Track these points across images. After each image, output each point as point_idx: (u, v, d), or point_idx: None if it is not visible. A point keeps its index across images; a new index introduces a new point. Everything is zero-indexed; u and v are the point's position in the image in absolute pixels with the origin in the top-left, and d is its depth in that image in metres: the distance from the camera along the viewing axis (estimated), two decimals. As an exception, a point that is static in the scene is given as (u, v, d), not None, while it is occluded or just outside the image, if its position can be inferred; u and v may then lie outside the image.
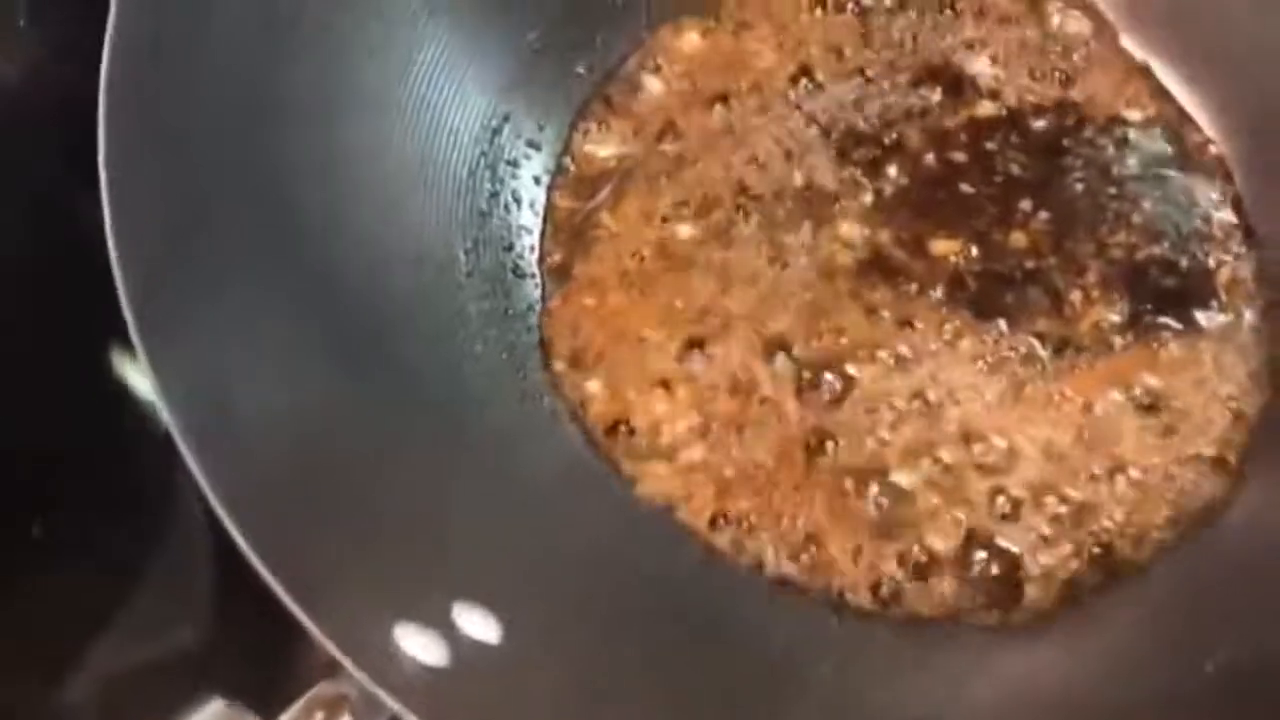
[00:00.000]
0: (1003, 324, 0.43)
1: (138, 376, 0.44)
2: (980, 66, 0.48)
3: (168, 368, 0.30)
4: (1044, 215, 0.45)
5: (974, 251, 0.45)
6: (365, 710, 0.28)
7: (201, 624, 0.43)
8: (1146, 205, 0.45)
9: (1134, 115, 0.47)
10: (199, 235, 0.34)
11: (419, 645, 0.30)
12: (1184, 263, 0.45)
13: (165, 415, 0.29)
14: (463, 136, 0.46)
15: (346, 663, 0.27)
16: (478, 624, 0.32)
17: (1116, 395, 0.42)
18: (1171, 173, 0.46)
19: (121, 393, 0.44)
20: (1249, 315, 0.44)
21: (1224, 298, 0.44)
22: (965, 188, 0.46)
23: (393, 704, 0.27)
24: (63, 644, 0.41)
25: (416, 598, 0.31)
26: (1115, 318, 0.44)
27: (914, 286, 0.44)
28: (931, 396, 0.43)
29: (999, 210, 0.45)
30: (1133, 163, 0.46)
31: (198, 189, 0.35)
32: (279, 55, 0.39)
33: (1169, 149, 0.47)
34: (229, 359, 0.33)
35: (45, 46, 0.45)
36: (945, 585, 0.40)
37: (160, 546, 0.43)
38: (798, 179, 0.46)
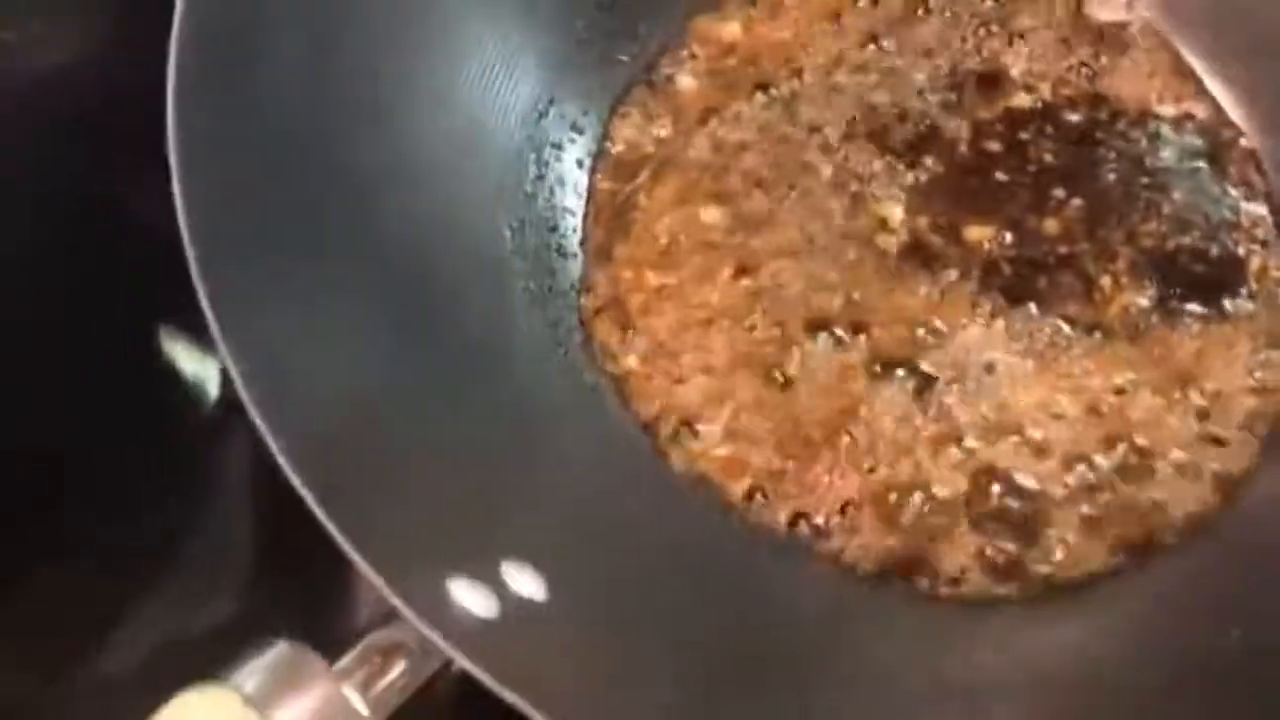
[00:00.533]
0: (1033, 308, 0.44)
1: (184, 356, 0.46)
2: (1017, 59, 0.49)
3: (235, 334, 0.31)
4: (1077, 203, 0.46)
5: (1008, 238, 0.46)
6: (419, 657, 0.29)
7: (246, 586, 0.44)
8: (1177, 196, 0.46)
9: (1167, 109, 0.48)
10: (264, 210, 0.35)
11: (471, 598, 0.31)
12: (1214, 251, 0.45)
13: (232, 370, 0.30)
14: (511, 121, 0.47)
15: (404, 609, 0.28)
16: (525, 582, 0.33)
17: (1145, 377, 0.43)
18: (1203, 165, 0.47)
19: (167, 372, 0.45)
20: (1276, 302, 0.45)
21: (1253, 286, 0.45)
22: (1000, 176, 0.47)
23: (448, 650, 0.28)
24: (110, 607, 0.42)
25: (468, 553, 0.32)
26: (1144, 302, 0.44)
27: (952, 272, 0.45)
28: (967, 375, 0.43)
29: (1033, 198, 0.46)
30: (1165, 155, 0.47)
31: (261, 169, 0.36)
32: (341, 45, 0.40)
33: (1200, 142, 0.47)
34: (293, 326, 0.34)
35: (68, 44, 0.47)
36: (967, 557, 0.41)
37: (204, 514, 0.44)
38: (836, 165, 0.47)
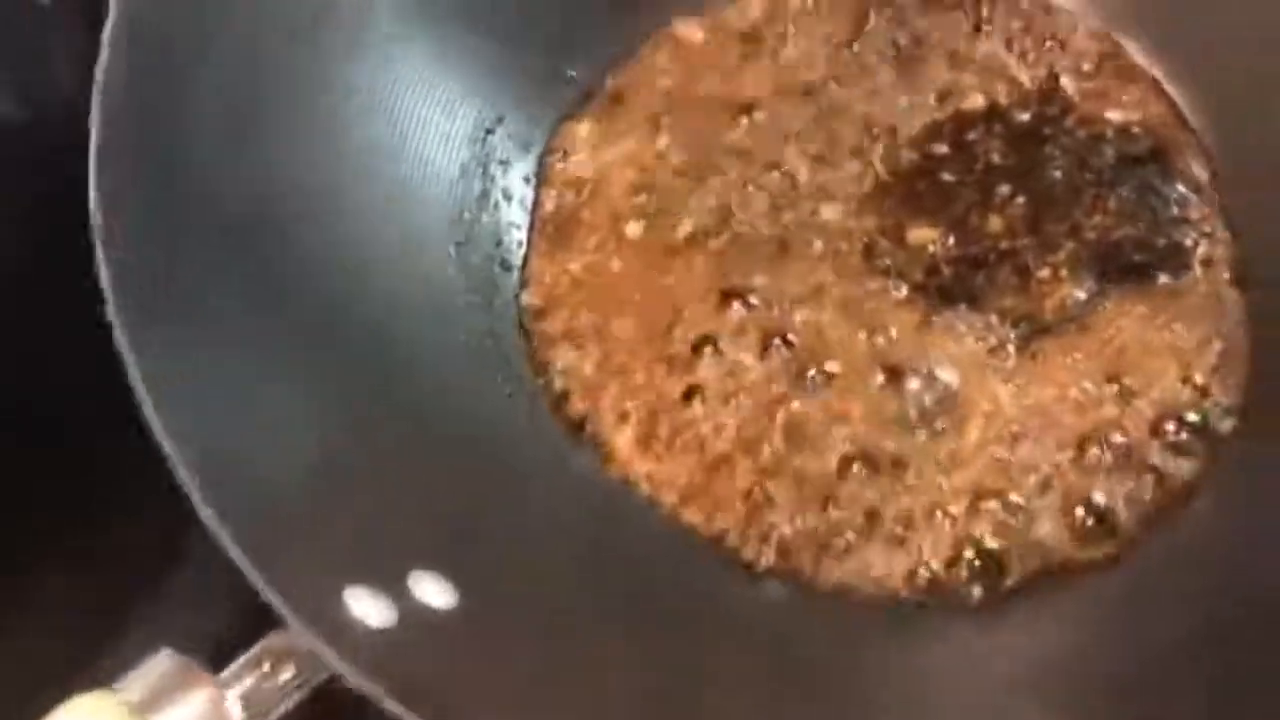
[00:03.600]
0: (966, 305, 0.44)
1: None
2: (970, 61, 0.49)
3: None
4: (1021, 200, 0.46)
5: (951, 239, 0.45)
6: (311, 664, 0.29)
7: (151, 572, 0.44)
8: (1124, 191, 0.46)
9: (1115, 107, 0.48)
10: (191, 248, 0.36)
11: (368, 608, 0.30)
12: (1159, 242, 0.45)
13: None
14: (456, 139, 0.47)
15: (290, 618, 0.28)
16: (432, 590, 0.32)
17: (1085, 366, 0.43)
18: (1150, 161, 0.46)
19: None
20: (1223, 289, 0.44)
21: (1197, 272, 0.44)
22: (946, 177, 0.47)
23: (336, 663, 0.28)
24: (114, 610, 0.42)
25: (371, 562, 0.32)
26: (1081, 294, 0.44)
27: (894, 272, 0.45)
28: (905, 377, 0.43)
29: (978, 196, 0.46)
30: (1112, 151, 0.46)
31: (188, 214, 0.36)
32: (269, 77, 0.40)
33: (1148, 138, 0.47)
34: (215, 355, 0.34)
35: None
36: (928, 564, 0.41)
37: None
38: (785, 171, 0.47)
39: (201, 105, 0.38)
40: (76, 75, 0.43)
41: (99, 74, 0.35)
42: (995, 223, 0.45)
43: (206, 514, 0.28)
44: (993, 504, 0.41)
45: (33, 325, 0.42)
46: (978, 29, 0.49)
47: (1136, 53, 0.48)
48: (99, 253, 0.32)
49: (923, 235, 0.45)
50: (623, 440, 0.43)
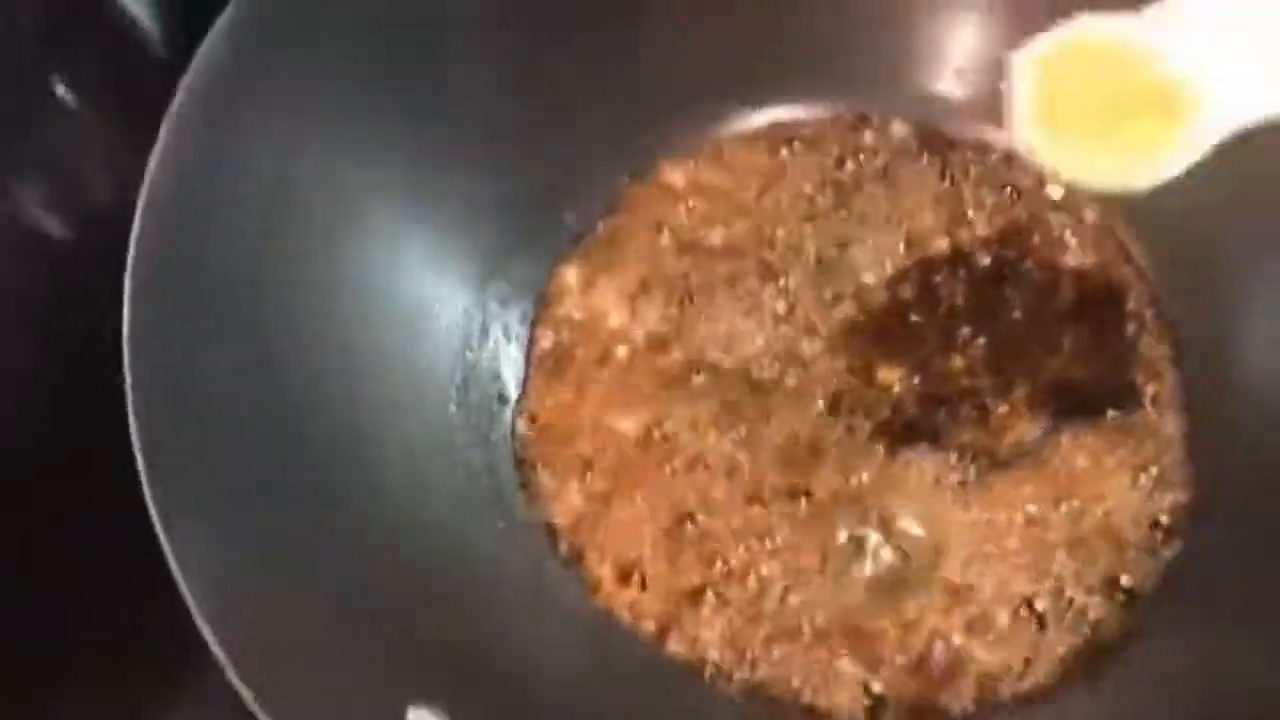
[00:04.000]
0: (928, 444, 0.46)
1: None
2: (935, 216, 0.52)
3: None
4: (981, 341, 0.49)
5: (916, 379, 0.48)
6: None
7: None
8: (1079, 331, 0.48)
9: (1070, 256, 0.50)
10: (212, 413, 0.38)
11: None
12: (1111, 381, 0.47)
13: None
14: (458, 284, 0.49)
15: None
16: (429, 721, 0.35)
17: (1032, 507, 0.45)
18: (1103, 303, 0.49)
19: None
20: (1171, 426, 0.47)
21: (1148, 409, 0.47)
22: (914, 318, 0.50)
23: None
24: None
25: (371, 698, 0.34)
26: (1037, 431, 0.46)
27: (861, 413, 0.48)
28: (871, 518, 0.46)
29: (941, 338, 0.49)
30: (1067, 294, 0.49)
31: (211, 376, 0.39)
32: (291, 240, 0.43)
33: (1102, 282, 0.49)
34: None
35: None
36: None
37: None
38: (765, 311, 0.50)
39: (226, 263, 0.41)
40: (108, 181, 0.47)
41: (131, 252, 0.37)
42: (957, 362, 0.48)
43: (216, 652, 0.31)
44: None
45: (58, 433, 0.44)
46: (943, 177, 0.53)
47: (1089, 201, 0.51)
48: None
49: (890, 375, 0.48)
50: (607, 571, 0.45)
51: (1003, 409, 0.47)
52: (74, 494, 0.44)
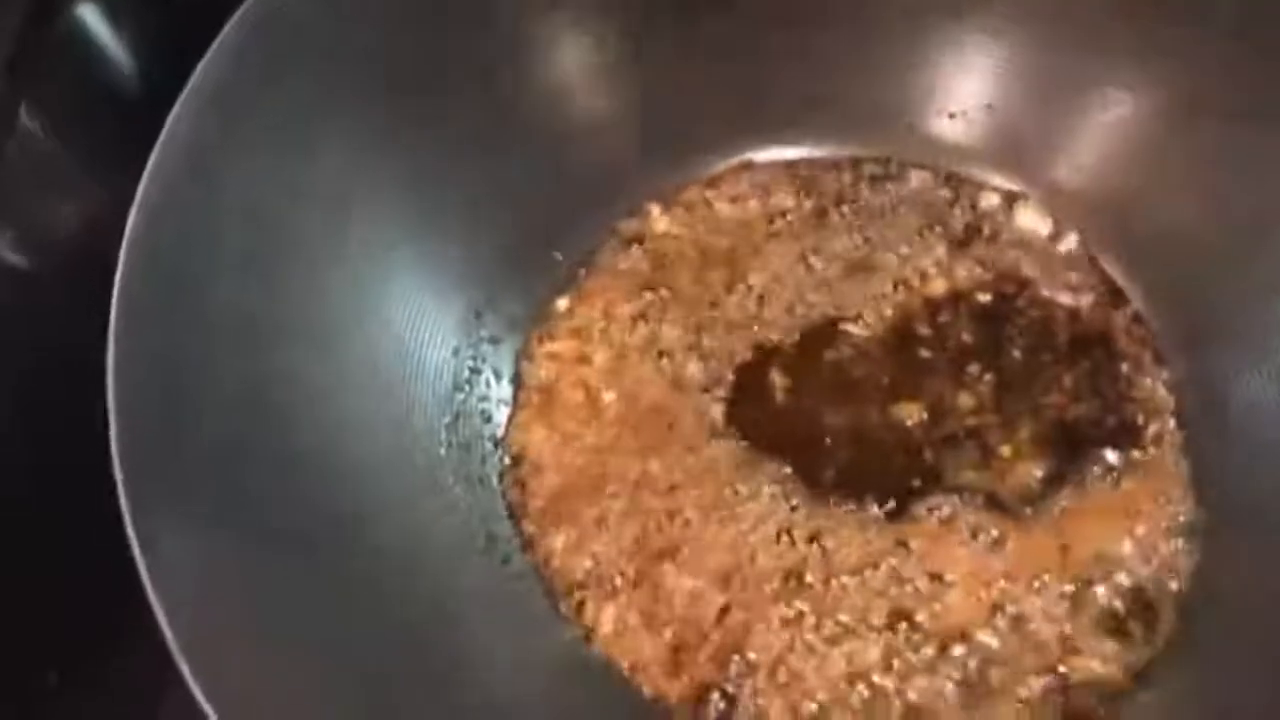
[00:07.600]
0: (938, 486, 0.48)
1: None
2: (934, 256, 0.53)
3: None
4: (989, 378, 0.50)
5: (925, 415, 0.49)
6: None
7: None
8: (1079, 369, 0.50)
9: (1064, 295, 0.52)
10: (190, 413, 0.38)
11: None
12: (1110, 420, 0.49)
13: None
14: (449, 323, 0.50)
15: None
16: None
17: (1034, 556, 0.46)
18: (1098, 344, 0.50)
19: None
20: (1171, 462, 0.48)
21: (1150, 450, 0.48)
22: (924, 353, 0.51)
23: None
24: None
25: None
26: (1039, 472, 0.48)
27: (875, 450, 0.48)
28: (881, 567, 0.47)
29: (951, 374, 0.50)
30: (1063, 333, 0.51)
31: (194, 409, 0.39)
32: (278, 276, 0.43)
33: (1096, 321, 0.51)
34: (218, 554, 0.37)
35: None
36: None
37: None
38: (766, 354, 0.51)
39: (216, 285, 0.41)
40: (75, 211, 0.46)
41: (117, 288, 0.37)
42: (966, 400, 0.49)
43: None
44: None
45: (35, 465, 0.44)
46: (940, 218, 0.54)
47: (1076, 243, 0.53)
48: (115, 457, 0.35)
49: (906, 410, 0.49)
50: (604, 616, 0.46)
51: (1005, 449, 0.48)
52: (51, 518, 0.43)
